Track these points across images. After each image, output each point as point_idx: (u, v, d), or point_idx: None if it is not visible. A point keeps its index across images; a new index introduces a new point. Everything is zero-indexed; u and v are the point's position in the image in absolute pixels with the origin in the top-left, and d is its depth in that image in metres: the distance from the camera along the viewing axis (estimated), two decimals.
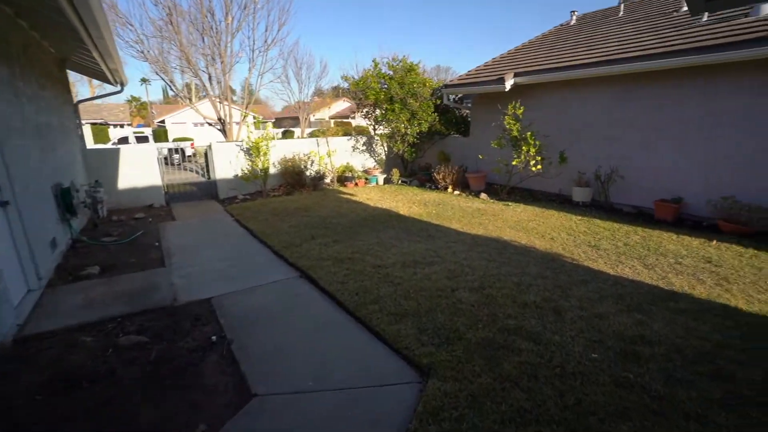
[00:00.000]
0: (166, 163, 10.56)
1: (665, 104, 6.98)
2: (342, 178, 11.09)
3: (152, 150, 9.13)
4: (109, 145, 18.19)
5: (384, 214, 7.51)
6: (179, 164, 15.98)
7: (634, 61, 6.98)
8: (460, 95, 12.01)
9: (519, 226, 6.54)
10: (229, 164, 9.94)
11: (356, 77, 11.11)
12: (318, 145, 11.14)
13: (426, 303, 3.83)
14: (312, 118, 37.42)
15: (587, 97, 8.11)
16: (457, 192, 9.49)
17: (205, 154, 10.29)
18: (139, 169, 8.92)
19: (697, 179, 6.66)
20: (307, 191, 10.15)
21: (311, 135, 12.65)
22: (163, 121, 34.31)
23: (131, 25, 12.40)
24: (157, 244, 6.18)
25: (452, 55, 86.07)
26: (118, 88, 8.51)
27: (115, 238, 6.41)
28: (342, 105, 41.43)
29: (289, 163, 10.46)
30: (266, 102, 51.80)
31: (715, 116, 6.41)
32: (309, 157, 10.85)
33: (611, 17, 10.58)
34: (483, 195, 8.90)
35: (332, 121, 39.28)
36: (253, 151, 9.71)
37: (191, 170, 13.91)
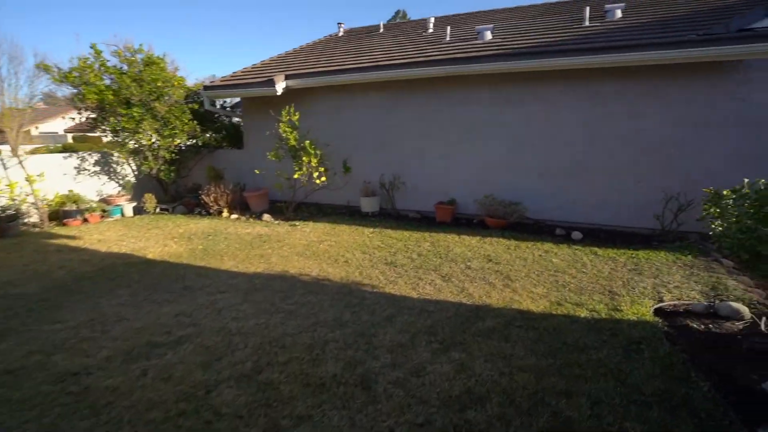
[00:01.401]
0: None
1: (428, 111, 7.26)
2: (61, 215, 7.55)
3: None
4: None
5: (120, 263, 5.09)
6: None
7: (399, 68, 7.00)
8: (228, 101, 10.30)
9: (308, 252, 5.43)
10: None
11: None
12: (5, 168, 7.24)
13: None
14: (35, 131, 27.43)
15: (362, 103, 7.82)
16: (234, 216, 7.71)
17: None
18: None
19: (464, 180, 7.12)
20: None
21: (33, 153, 8.21)
22: None
23: None
24: None
25: (225, 67, 79.91)
26: None
27: None
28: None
29: None
30: None
31: (469, 123, 6.97)
32: None
33: (374, 33, 10.99)
34: (266, 216, 7.46)
35: (70, 135, 29.89)
36: None
37: None
